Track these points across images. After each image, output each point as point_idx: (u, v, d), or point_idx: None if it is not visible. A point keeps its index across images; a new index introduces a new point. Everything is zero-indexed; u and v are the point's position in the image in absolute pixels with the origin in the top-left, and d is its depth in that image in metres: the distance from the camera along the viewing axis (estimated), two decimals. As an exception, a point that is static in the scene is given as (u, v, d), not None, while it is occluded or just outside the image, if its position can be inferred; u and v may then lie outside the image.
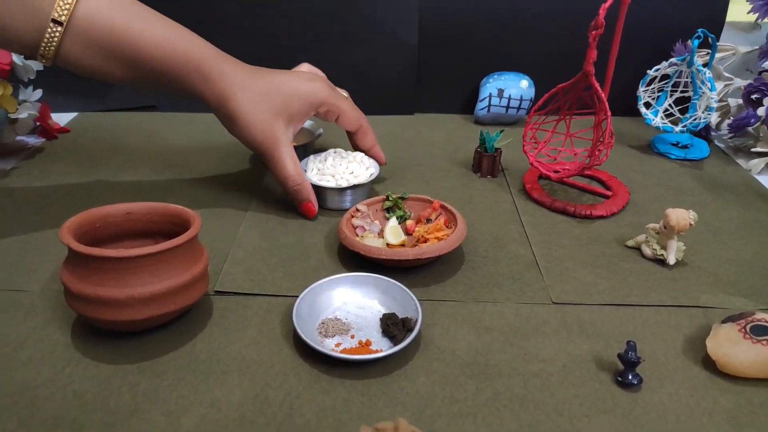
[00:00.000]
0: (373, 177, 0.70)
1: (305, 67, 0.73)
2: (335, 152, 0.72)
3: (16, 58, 0.81)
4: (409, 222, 0.66)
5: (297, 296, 0.53)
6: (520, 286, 0.59)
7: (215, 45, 0.64)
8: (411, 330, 0.50)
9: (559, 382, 0.48)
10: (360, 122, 0.72)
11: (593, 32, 0.65)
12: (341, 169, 0.70)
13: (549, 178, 0.76)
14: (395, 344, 0.49)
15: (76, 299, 0.47)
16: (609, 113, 0.66)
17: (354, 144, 0.74)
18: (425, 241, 0.62)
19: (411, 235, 0.65)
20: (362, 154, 0.73)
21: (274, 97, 0.64)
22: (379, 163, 0.74)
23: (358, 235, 0.63)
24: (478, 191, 0.77)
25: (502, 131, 0.80)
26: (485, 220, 0.70)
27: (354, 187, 0.69)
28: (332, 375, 0.47)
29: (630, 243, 0.65)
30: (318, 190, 0.69)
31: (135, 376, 0.47)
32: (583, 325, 0.54)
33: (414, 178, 0.80)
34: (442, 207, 0.66)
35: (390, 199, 0.68)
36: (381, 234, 0.64)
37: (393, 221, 0.65)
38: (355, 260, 0.61)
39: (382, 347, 0.50)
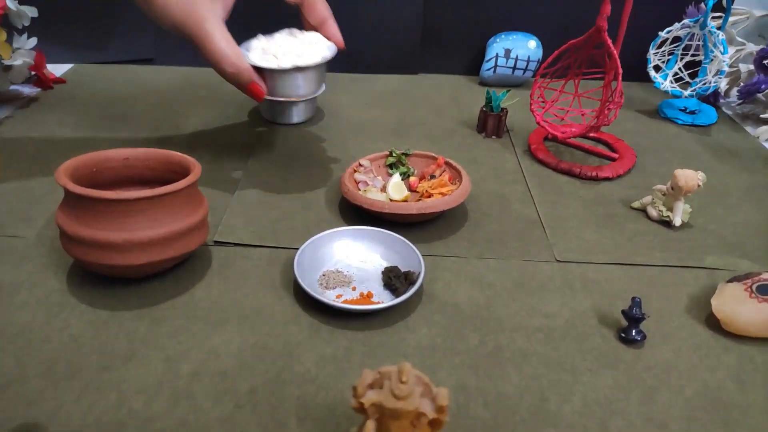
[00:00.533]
0: (325, 60, 0.60)
1: None
2: (289, 31, 0.61)
3: (10, 3, 0.79)
4: (412, 178, 0.65)
5: (297, 248, 0.52)
6: (523, 244, 0.58)
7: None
8: (413, 283, 0.49)
9: (562, 336, 0.47)
10: None
11: (607, -14, 0.63)
12: (289, 49, 0.59)
13: (556, 138, 0.74)
14: (397, 297, 0.49)
15: (72, 242, 0.46)
16: (620, 71, 0.65)
17: (304, 22, 0.62)
18: (429, 196, 0.61)
19: (414, 191, 0.64)
20: (318, 35, 0.61)
21: None
22: (337, 46, 0.62)
23: (360, 190, 0.62)
24: (482, 151, 0.76)
25: (508, 90, 0.79)
26: (489, 179, 0.69)
27: (301, 69, 0.58)
28: (333, 325, 0.47)
29: (636, 204, 0.64)
30: (259, 73, 0.58)
31: (132, 322, 0.46)
32: (587, 283, 0.53)
33: (418, 138, 0.78)
34: (447, 164, 0.64)
35: (393, 155, 0.66)
36: (384, 190, 0.63)
37: (396, 177, 0.64)
38: (357, 215, 0.60)
39: (384, 300, 0.49)
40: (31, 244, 0.54)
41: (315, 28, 0.62)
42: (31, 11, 0.81)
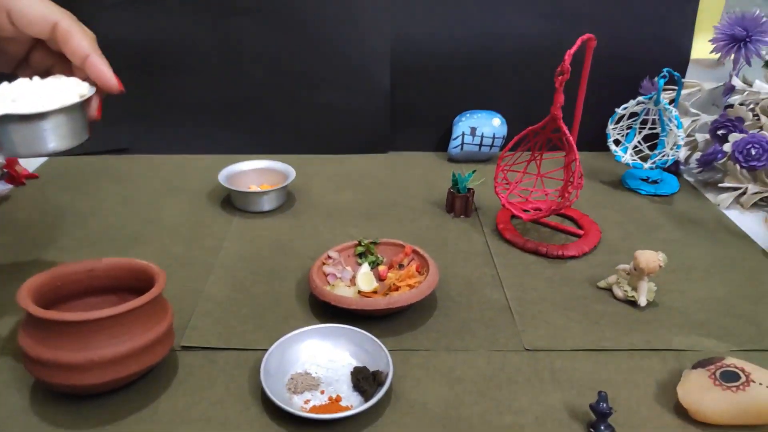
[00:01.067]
0: (74, 102, 0.48)
1: None
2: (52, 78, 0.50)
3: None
4: (381, 267, 0.66)
5: (266, 349, 0.52)
6: (492, 333, 0.58)
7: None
8: (382, 384, 0.49)
9: (531, 435, 0.47)
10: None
11: (559, 78, 0.66)
12: (30, 93, 0.47)
13: (521, 219, 0.76)
14: (366, 399, 0.48)
15: (34, 364, 0.45)
16: (577, 156, 0.67)
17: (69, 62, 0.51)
18: (397, 289, 0.61)
19: (383, 281, 0.64)
20: (76, 78, 0.50)
21: None
22: (106, 87, 0.50)
23: (329, 283, 0.63)
24: (451, 232, 0.77)
25: (474, 171, 0.81)
26: (458, 262, 0.70)
27: (30, 118, 0.46)
28: (300, 435, 0.46)
29: (602, 284, 0.65)
30: None
31: (95, 442, 0.45)
32: (556, 372, 0.53)
33: (388, 220, 0.80)
34: (414, 252, 0.65)
35: (362, 244, 0.67)
36: (353, 281, 0.64)
37: (365, 267, 0.65)
38: (326, 308, 0.60)
39: (353, 403, 0.49)
40: (-6, 359, 0.54)
41: (77, 64, 0.50)
42: (4, 111, 0.83)
